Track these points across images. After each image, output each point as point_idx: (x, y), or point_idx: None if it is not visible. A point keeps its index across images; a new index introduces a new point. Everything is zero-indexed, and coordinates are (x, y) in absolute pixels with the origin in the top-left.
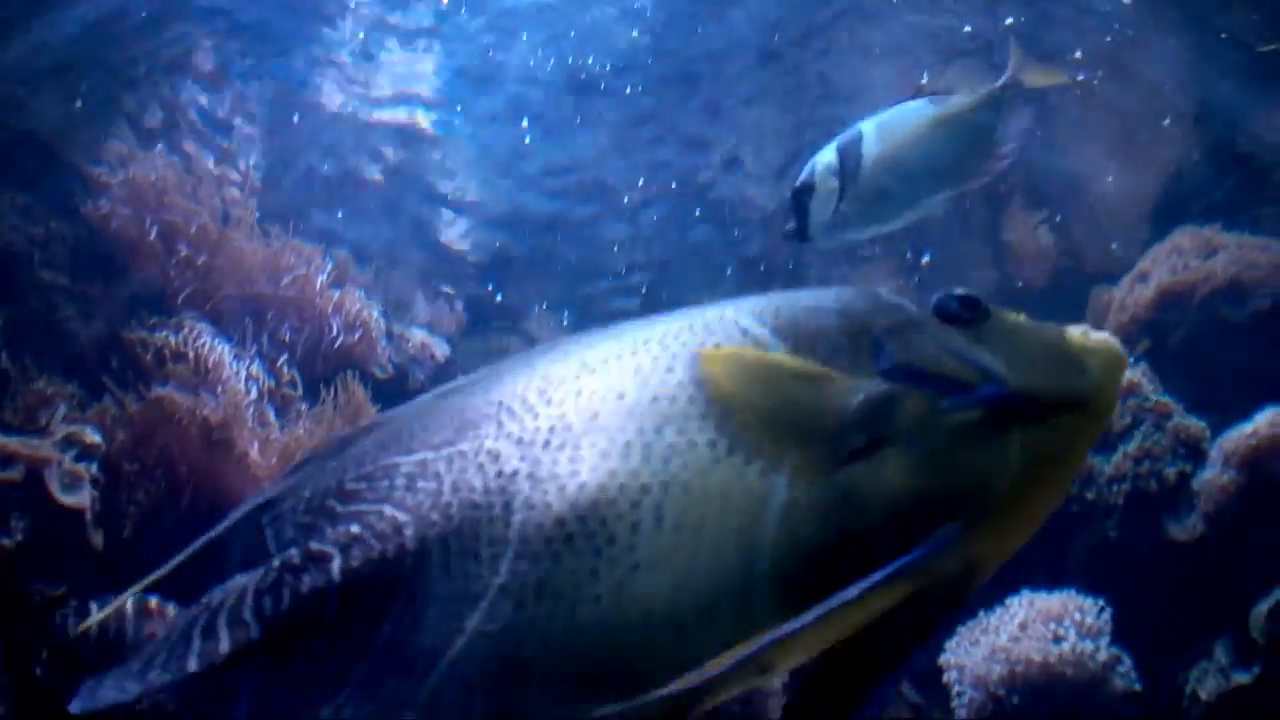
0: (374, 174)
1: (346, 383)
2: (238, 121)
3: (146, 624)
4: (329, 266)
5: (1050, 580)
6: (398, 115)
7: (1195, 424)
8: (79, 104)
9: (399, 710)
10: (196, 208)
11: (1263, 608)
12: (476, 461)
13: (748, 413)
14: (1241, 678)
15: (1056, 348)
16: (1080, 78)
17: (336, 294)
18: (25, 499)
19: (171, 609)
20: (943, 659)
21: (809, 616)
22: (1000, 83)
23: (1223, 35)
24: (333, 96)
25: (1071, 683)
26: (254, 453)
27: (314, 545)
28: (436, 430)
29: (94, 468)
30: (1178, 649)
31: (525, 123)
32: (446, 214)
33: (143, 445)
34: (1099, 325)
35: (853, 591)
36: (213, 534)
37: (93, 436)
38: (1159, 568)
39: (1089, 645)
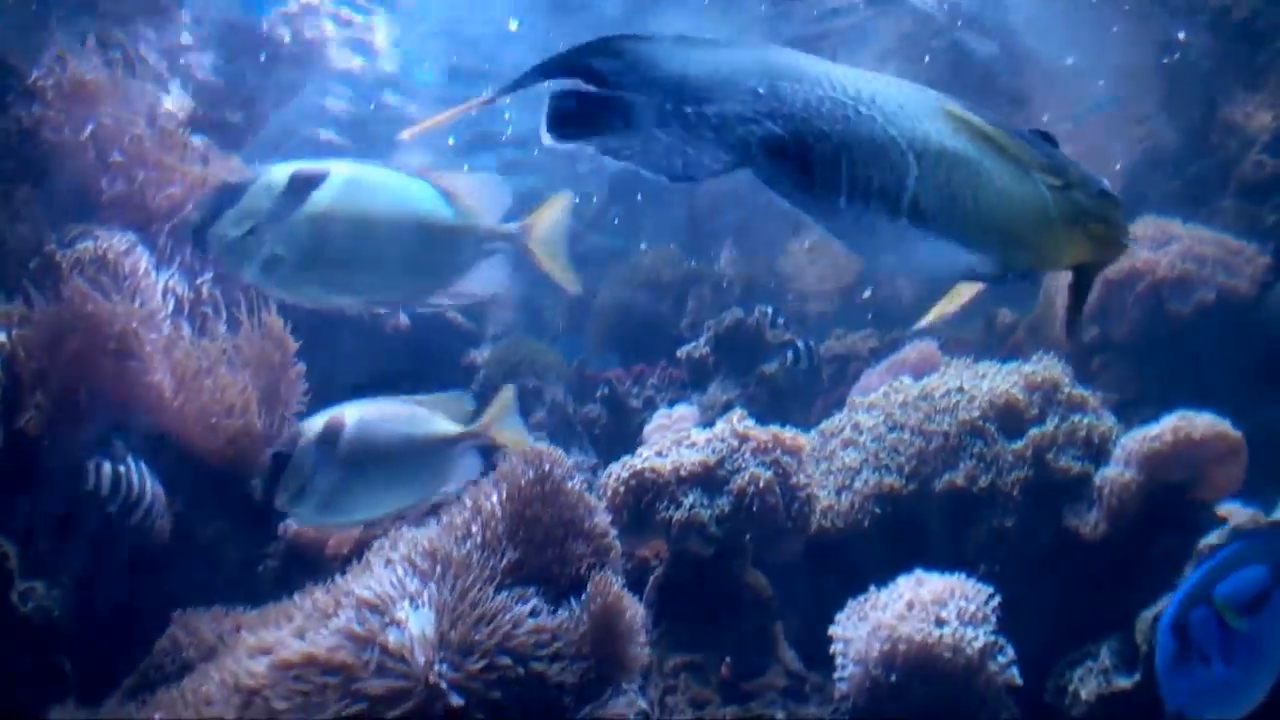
0: (332, 103)
1: (259, 312)
2: (189, 41)
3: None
4: None
5: (952, 564)
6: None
7: (1105, 422)
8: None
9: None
10: (132, 116)
11: (1148, 614)
12: (827, 95)
13: (1004, 142)
14: (1122, 682)
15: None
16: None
17: None
18: None
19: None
20: (832, 630)
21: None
22: (466, 429)
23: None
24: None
25: (948, 667)
26: (158, 362)
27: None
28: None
29: None
30: (1070, 645)
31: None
32: (402, 138)
33: (49, 347)
34: (1053, 310)
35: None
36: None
37: None
38: (1058, 561)
39: (969, 631)
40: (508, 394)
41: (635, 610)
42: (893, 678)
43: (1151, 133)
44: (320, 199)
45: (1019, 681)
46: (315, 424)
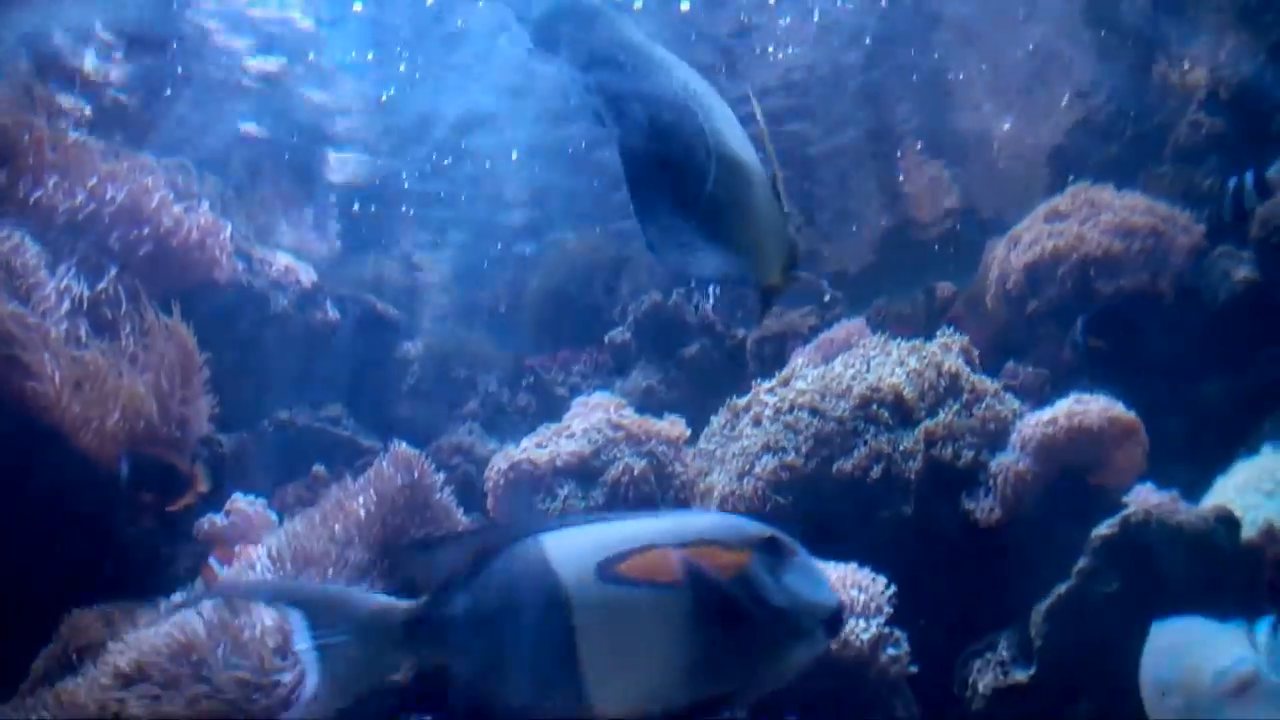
0: (247, 84)
1: (153, 313)
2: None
3: None
4: (163, 179)
5: (855, 552)
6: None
7: (1006, 407)
8: None
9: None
10: (32, 118)
11: (1042, 606)
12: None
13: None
14: (1019, 675)
15: None
16: None
17: (167, 197)
18: None
19: None
20: None
21: None
22: None
23: None
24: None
25: (835, 660)
26: (43, 365)
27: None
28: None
29: None
30: (975, 635)
31: None
32: (324, 131)
33: None
34: (988, 284)
35: None
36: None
37: None
38: (962, 549)
39: (859, 623)
40: None
41: None
42: None
43: (1087, 95)
44: None
45: (911, 671)
46: None
